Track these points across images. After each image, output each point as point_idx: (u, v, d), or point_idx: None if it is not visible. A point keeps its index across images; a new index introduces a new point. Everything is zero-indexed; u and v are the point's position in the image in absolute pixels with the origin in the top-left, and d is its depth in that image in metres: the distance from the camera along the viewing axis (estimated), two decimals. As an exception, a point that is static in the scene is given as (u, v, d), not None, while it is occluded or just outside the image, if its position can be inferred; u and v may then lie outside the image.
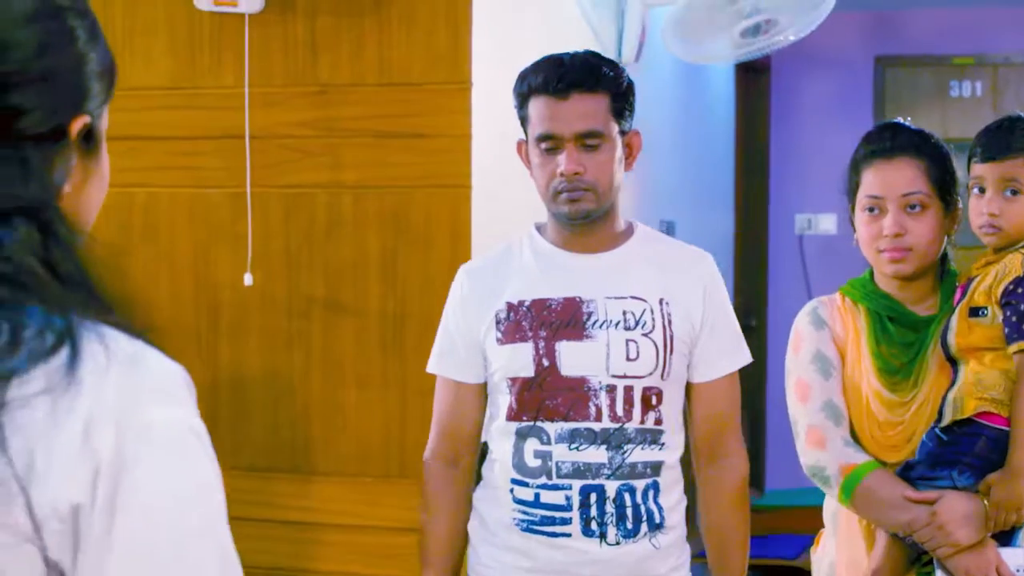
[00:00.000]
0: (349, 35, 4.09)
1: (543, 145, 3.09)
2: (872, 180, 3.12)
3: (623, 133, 3.13)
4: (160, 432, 1.29)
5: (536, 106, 3.09)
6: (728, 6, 5.08)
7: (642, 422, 3.09)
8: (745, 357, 3.25)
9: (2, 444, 1.22)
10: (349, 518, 4.13)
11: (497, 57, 4.14)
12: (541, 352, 3.09)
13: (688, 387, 3.20)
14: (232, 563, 1.34)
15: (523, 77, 3.14)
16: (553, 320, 3.10)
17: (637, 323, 3.10)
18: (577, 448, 3.06)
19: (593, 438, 3.06)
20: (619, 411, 3.07)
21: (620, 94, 3.11)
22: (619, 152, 3.12)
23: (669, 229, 6.22)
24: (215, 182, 4.22)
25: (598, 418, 3.07)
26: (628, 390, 3.08)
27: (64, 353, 1.26)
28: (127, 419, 1.27)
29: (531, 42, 4.28)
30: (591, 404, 3.07)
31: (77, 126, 1.39)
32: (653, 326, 3.10)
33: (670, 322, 3.12)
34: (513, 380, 3.12)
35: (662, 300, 3.13)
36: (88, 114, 1.40)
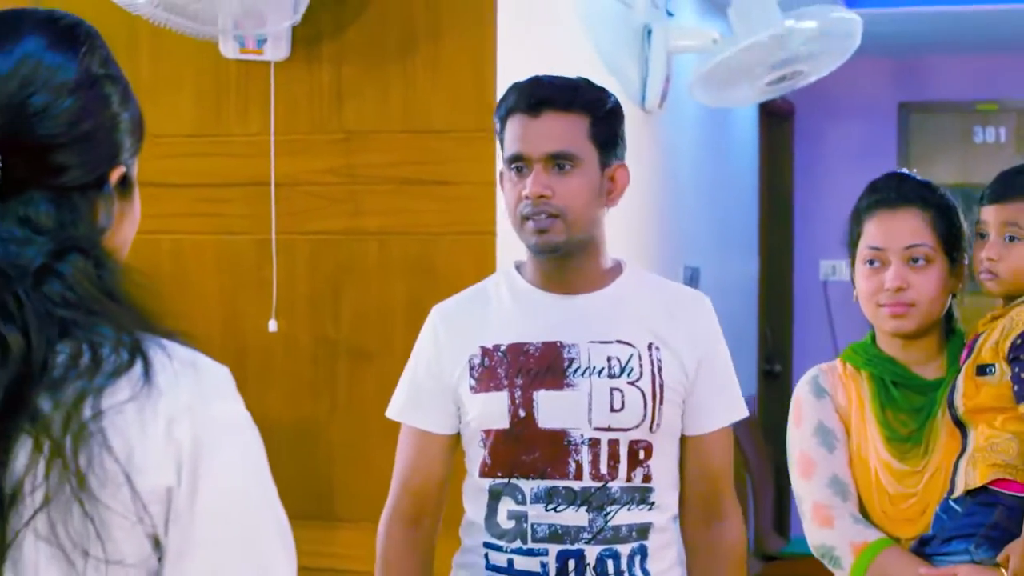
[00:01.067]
0: (374, 83, 4.11)
1: (513, 167, 2.84)
2: (874, 231, 2.94)
3: (606, 165, 2.85)
4: (224, 423, 1.57)
5: (511, 126, 2.86)
6: (760, 64, 5.12)
7: (628, 479, 2.79)
8: (742, 411, 2.97)
9: (108, 445, 1.49)
10: (373, 565, 4.12)
11: (521, 104, 4.15)
12: (517, 401, 2.79)
13: (681, 440, 2.92)
14: (285, 528, 1.61)
15: (502, 99, 2.94)
16: (531, 367, 2.81)
17: (623, 370, 2.80)
18: (554, 509, 2.77)
19: (572, 498, 2.77)
20: (602, 468, 2.77)
21: (601, 118, 2.84)
22: (597, 182, 2.83)
23: (694, 275, 6.22)
24: (240, 229, 4.23)
25: (578, 476, 2.77)
26: (613, 444, 2.79)
27: (139, 364, 1.52)
28: (198, 414, 1.54)
29: (555, 89, 4.29)
30: (571, 460, 2.77)
31: (115, 176, 1.64)
32: (641, 373, 2.81)
33: (660, 369, 2.82)
34: (487, 432, 2.83)
35: (651, 345, 2.83)
36: (123, 164, 1.65)
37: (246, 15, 3.94)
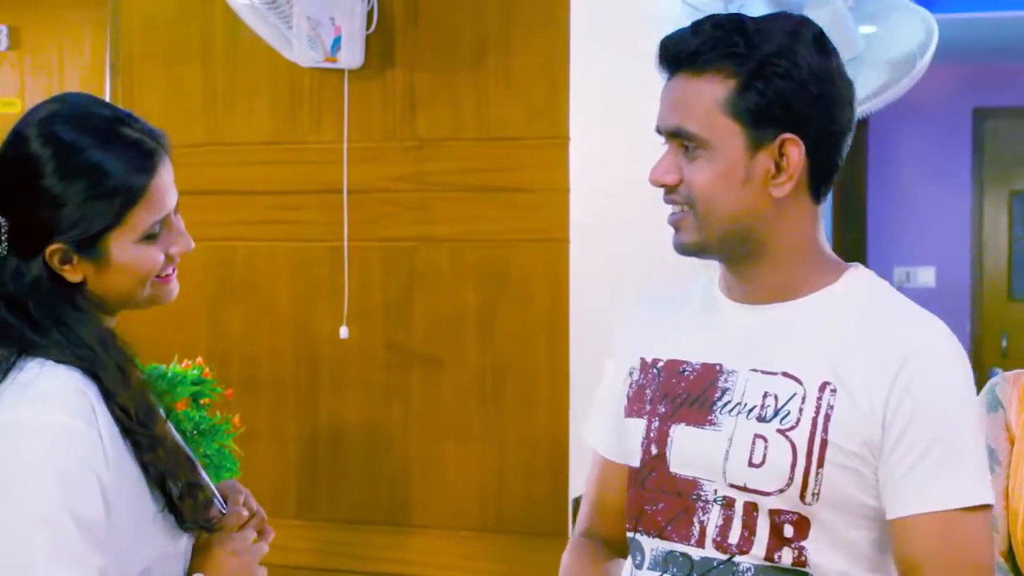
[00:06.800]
0: (447, 90, 4.12)
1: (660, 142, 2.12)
2: None
3: (761, 142, 2.02)
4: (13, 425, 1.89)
5: None
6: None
7: (769, 559, 2.00)
8: (968, 494, 1.96)
9: None
10: (445, 571, 4.12)
11: (595, 111, 4.15)
12: (652, 435, 2.11)
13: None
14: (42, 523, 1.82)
15: None
16: (679, 392, 2.11)
17: (776, 413, 2.01)
18: None
19: (688, 569, 2.06)
20: (732, 537, 2.02)
21: (750, 79, 2.01)
22: (740, 166, 2.03)
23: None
24: (314, 236, 4.26)
25: (700, 542, 2.05)
26: (750, 509, 2.02)
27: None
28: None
29: (628, 97, 4.28)
30: (695, 520, 2.06)
31: (49, 251, 1.96)
32: (798, 421, 1.99)
33: (827, 418, 1.98)
34: (628, 469, 2.18)
35: (826, 385, 2.00)
36: (63, 242, 1.95)
37: (319, 23, 3.97)
